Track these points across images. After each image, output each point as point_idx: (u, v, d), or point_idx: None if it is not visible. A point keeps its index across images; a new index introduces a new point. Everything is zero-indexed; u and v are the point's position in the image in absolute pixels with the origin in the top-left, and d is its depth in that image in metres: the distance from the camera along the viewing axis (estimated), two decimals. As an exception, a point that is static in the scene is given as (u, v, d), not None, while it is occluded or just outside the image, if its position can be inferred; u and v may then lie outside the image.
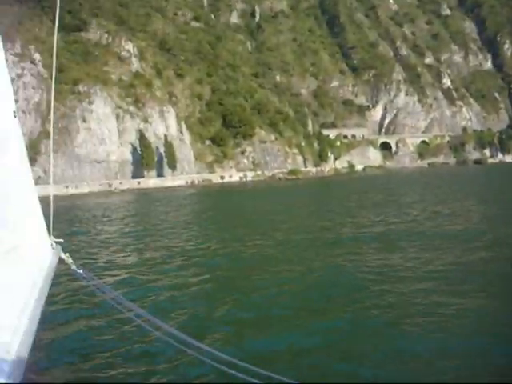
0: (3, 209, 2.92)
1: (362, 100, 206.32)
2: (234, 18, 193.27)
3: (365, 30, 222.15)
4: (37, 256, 3.16)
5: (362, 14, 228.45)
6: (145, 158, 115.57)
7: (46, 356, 8.42)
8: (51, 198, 3.98)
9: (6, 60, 3.13)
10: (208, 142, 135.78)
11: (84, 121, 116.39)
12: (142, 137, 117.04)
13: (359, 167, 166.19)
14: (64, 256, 3.58)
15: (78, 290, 12.89)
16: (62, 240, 3.70)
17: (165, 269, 17.27)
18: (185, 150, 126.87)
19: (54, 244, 3.58)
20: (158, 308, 11.62)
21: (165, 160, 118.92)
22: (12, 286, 2.62)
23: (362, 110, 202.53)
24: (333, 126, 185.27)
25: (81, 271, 3.59)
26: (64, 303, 12.27)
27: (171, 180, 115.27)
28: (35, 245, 3.24)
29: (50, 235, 3.53)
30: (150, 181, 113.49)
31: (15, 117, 3.03)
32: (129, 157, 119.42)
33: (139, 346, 9.16)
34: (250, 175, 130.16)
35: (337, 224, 27.10)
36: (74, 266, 3.61)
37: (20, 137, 3.08)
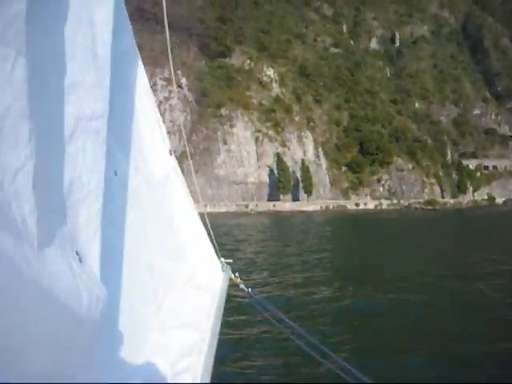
0: (176, 242, 3.04)
1: (505, 129, 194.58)
2: (374, 44, 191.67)
3: (510, 56, 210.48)
4: (210, 280, 3.21)
5: (507, 39, 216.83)
6: (281, 181, 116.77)
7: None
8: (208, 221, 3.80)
9: (155, 84, 2.76)
10: (344, 169, 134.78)
11: (225, 143, 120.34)
12: (279, 160, 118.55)
13: (499, 200, 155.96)
14: (233, 276, 3.55)
15: (246, 310, 12.46)
16: (231, 260, 3.65)
17: (324, 291, 17.22)
18: (321, 175, 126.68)
19: (225, 265, 3.54)
20: (325, 334, 11.43)
21: (301, 184, 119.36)
22: (191, 315, 2.79)
23: (505, 140, 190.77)
24: (473, 156, 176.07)
25: (249, 289, 3.55)
26: (234, 323, 12.26)
27: (306, 205, 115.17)
28: (208, 269, 3.30)
29: (219, 257, 3.51)
30: (286, 204, 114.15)
31: (171, 155, 3.11)
32: (266, 179, 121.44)
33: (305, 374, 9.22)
34: (385, 203, 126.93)
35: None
36: (242, 285, 3.57)
37: (179, 173, 3.14)
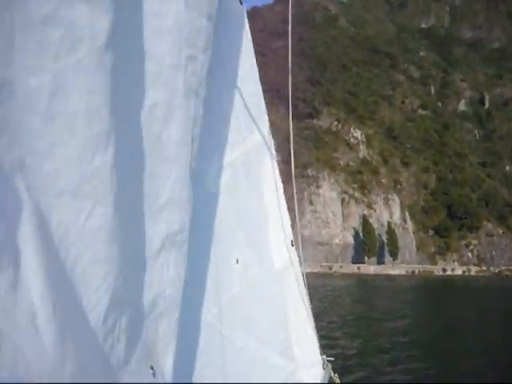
0: (285, 336, 2.96)
1: None
2: (462, 106, 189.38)
3: None
4: (310, 377, 3.10)
5: None
6: (367, 243, 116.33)
7: None
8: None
9: None
10: (431, 232, 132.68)
11: (311, 203, 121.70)
12: (365, 222, 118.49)
13: None
14: (333, 375, 3.36)
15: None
16: (333, 358, 3.42)
17: (412, 365, 16.88)
18: (407, 238, 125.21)
19: (326, 363, 3.34)
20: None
21: (386, 247, 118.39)
22: None
23: None
24: None
25: None
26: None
27: (391, 268, 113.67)
28: (310, 366, 3.17)
29: (321, 353, 3.31)
30: (371, 267, 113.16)
31: (292, 246, 3.13)
32: (351, 241, 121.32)
33: None
34: (473, 270, 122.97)
35: None
36: None
37: (298, 265, 3.15)
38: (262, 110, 2.92)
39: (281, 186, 3.10)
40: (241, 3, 2.75)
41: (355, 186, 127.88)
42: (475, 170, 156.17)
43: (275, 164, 3.08)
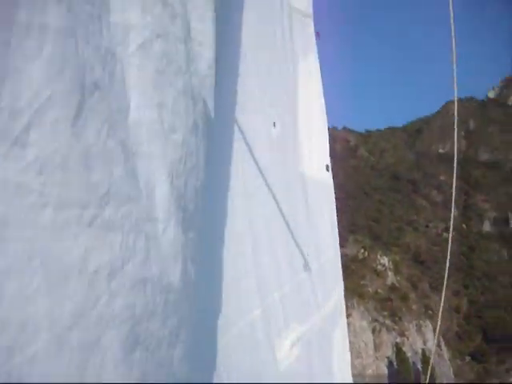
0: None
1: None
2: (487, 227, 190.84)
3: None
4: None
5: None
6: (401, 373, 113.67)
7: None
8: None
9: None
10: (468, 359, 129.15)
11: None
12: (398, 351, 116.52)
13: None
14: None
15: None
16: None
17: None
18: (443, 366, 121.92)
19: None
20: None
21: (422, 376, 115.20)
22: None
23: None
24: None
25: None
26: None
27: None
28: None
29: None
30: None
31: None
32: (384, 371, 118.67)
33: None
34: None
35: None
36: None
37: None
38: (338, 272, 2.70)
39: (349, 356, 2.98)
40: (327, 170, 2.62)
41: (385, 313, 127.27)
42: (507, 290, 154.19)
43: (346, 328, 2.92)
